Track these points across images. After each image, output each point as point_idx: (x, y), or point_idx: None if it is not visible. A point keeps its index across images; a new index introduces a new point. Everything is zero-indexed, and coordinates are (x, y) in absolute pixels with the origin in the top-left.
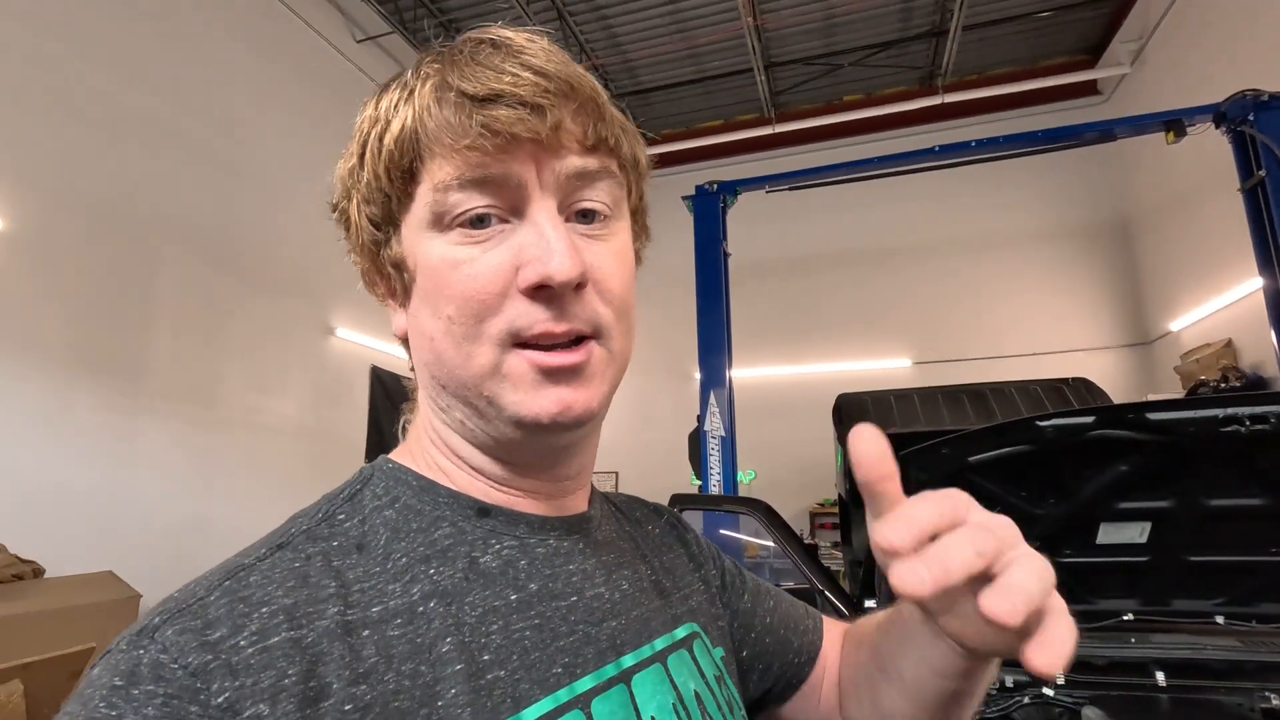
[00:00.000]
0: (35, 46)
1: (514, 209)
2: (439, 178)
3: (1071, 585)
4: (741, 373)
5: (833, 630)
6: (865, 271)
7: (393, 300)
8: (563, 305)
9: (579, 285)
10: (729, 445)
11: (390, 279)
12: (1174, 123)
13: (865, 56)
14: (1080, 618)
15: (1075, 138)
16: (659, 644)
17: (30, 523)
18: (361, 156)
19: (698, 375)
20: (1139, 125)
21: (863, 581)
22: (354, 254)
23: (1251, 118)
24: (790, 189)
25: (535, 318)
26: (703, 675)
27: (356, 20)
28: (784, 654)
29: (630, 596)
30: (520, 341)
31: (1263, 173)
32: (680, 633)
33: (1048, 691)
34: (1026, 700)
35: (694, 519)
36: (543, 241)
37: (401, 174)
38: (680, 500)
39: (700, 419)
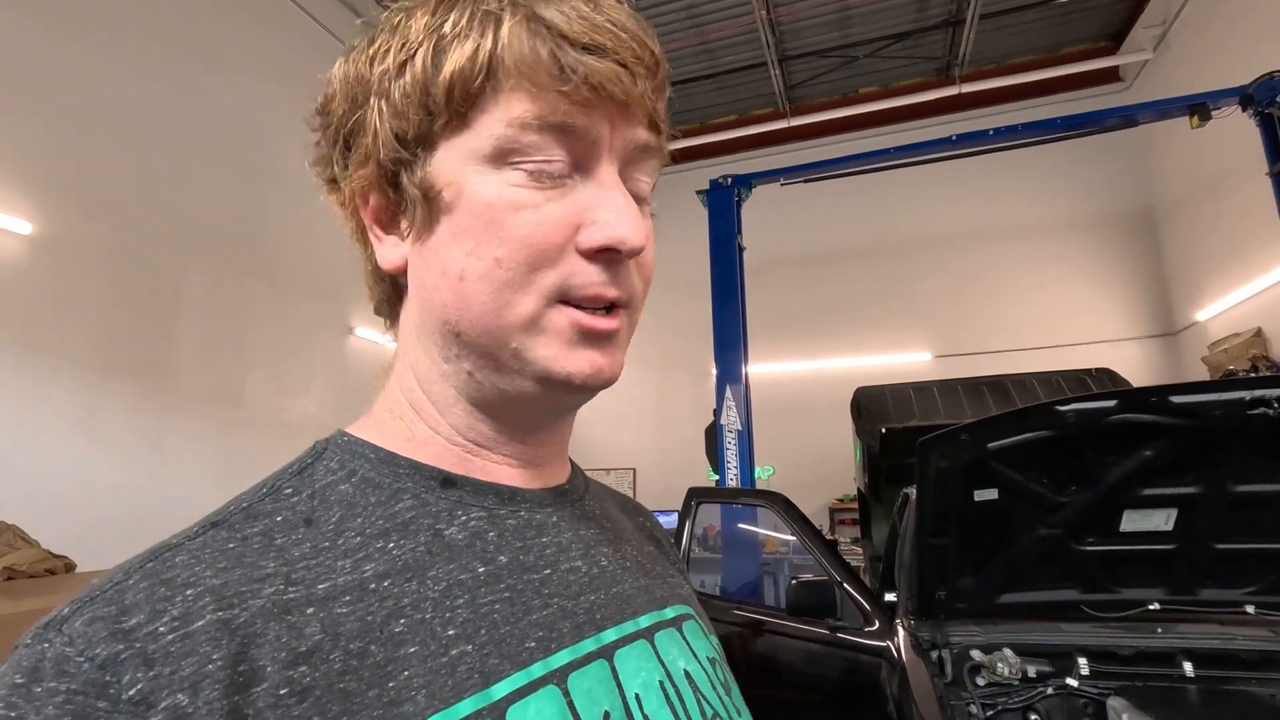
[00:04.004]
0: (67, 56)
1: (579, 164)
2: (516, 113)
3: (1095, 574)
4: (759, 368)
5: None
6: (883, 265)
7: (383, 228)
8: (616, 271)
9: (633, 254)
10: (746, 439)
11: (397, 203)
12: (1198, 107)
13: (881, 48)
14: (1104, 607)
15: (1096, 124)
16: (644, 621)
17: (62, 519)
18: (404, 64)
19: (714, 370)
20: (1162, 110)
21: (882, 576)
22: (351, 166)
23: (1279, 100)
24: (805, 181)
25: (590, 278)
26: (695, 655)
27: None
28: None
29: (610, 573)
30: (565, 299)
31: None
32: (670, 613)
33: (1071, 682)
34: (1050, 691)
35: (712, 513)
36: (613, 204)
37: (465, 96)
38: (698, 494)
39: (717, 413)
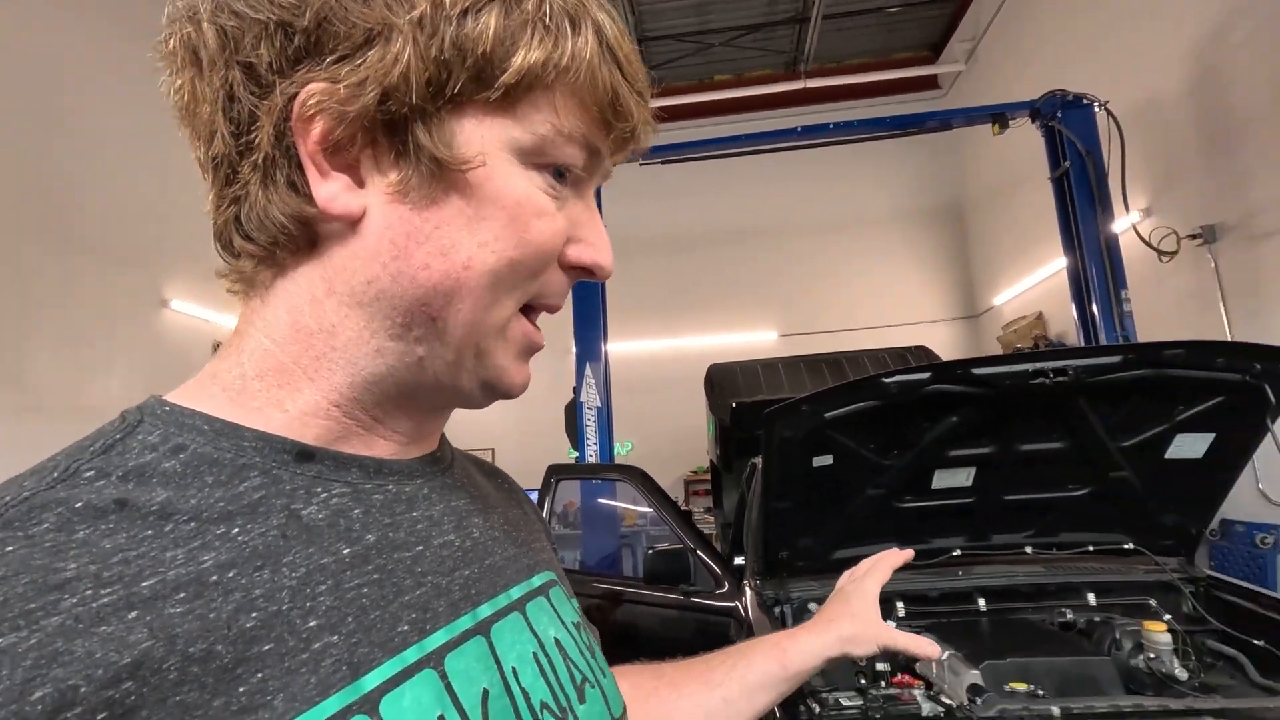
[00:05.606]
0: None
1: (576, 181)
2: (567, 126)
3: (911, 527)
4: (618, 346)
5: None
6: (735, 247)
7: (329, 163)
8: (569, 286)
9: (603, 279)
10: (605, 416)
11: (385, 149)
12: (999, 116)
13: (734, 37)
14: (918, 556)
15: (918, 126)
16: (515, 592)
17: None
18: (468, 12)
19: (574, 348)
20: (970, 117)
21: (732, 541)
22: (302, 71)
23: (1059, 114)
24: (663, 163)
25: (558, 289)
26: (562, 622)
27: None
28: None
29: (483, 545)
30: (527, 306)
31: (1067, 164)
32: (537, 580)
33: (891, 624)
34: None
35: (572, 489)
36: (600, 229)
37: (525, 87)
38: (557, 470)
39: (576, 391)
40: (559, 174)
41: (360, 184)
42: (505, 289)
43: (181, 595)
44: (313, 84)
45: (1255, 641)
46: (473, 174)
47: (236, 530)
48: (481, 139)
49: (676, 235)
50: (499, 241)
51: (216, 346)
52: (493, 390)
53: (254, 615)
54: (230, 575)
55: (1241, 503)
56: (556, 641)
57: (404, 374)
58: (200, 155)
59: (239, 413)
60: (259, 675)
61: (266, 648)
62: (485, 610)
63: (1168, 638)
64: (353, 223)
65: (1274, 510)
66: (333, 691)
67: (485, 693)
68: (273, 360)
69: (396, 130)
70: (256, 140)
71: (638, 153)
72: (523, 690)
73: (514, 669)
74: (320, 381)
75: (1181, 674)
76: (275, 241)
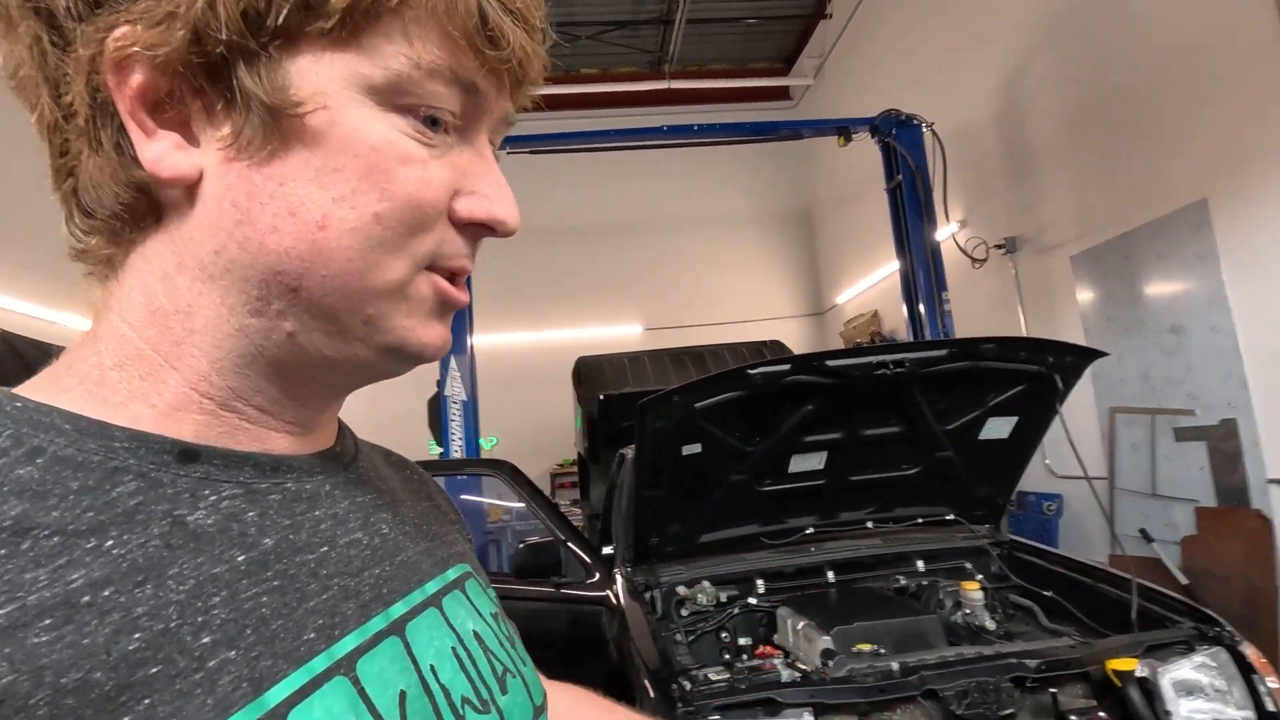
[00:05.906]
0: None
1: (460, 127)
2: (427, 58)
3: (771, 509)
4: (482, 339)
5: None
6: (601, 241)
7: (154, 119)
8: (475, 245)
9: (506, 235)
10: (471, 410)
11: (213, 99)
12: (843, 129)
13: (601, 31)
14: (776, 536)
15: (772, 133)
16: (430, 587)
17: None
18: None
19: None
20: (819, 128)
21: (601, 531)
22: (104, 13)
23: (894, 131)
24: (531, 153)
25: (458, 249)
26: (480, 614)
27: None
28: None
29: (393, 540)
30: (430, 266)
31: (900, 177)
32: (452, 574)
33: (752, 601)
34: (737, 611)
35: None
36: (496, 179)
37: (366, 12)
38: (422, 467)
39: (440, 384)
40: (432, 121)
41: (195, 142)
42: (383, 249)
43: (47, 621)
44: (118, 29)
45: (1045, 593)
46: (313, 119)
47: (111, 543)
48: (319, 77)
49: (543, 228)
50: (358, 195)
51: (1, 335)
52: (400, 354)
53: (137, 636)
54: (105, 594)
55: (1032, 477)
56: (475, 634)
57: (278, 353)
58: (35, 126)
59: (101, 409)
60: (146, 701)
61: (154, 670)
62: (399, 609)
63: (980, 595)
64: (191, 186)
65: (1056, 482)
66: (233, 711)
67: (402, 694)
68: (131, 347)
69: (220, 76)
70: (73, 100)
71: (537, 87)
72: (442, 687)
73: (432, 666)
74: (184, 370)
75: (991, 625)
76: (115, 214)
